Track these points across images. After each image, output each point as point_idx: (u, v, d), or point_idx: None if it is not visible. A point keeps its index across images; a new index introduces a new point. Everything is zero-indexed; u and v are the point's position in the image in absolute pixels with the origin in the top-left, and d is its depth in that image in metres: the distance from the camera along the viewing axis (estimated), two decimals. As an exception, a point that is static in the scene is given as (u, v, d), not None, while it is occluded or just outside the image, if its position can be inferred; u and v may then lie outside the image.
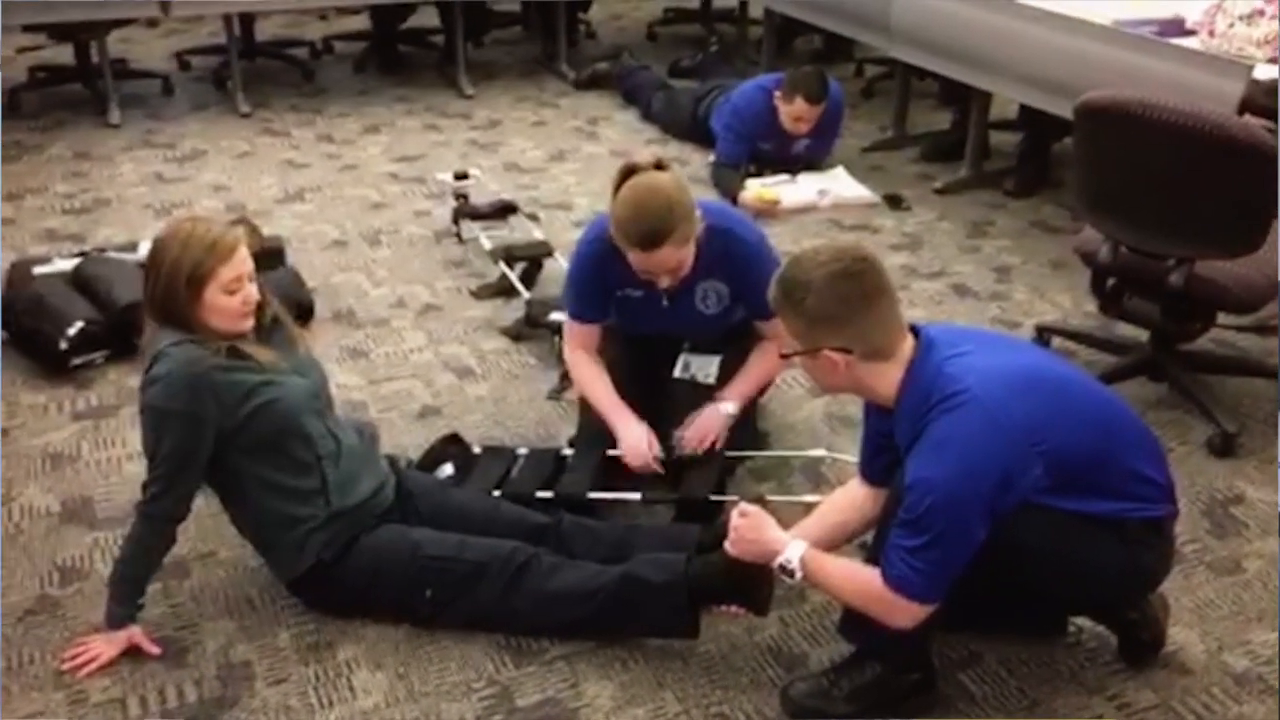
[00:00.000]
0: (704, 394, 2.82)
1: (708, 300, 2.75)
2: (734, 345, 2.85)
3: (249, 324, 2.26)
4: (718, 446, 2.72)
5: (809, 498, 2.66)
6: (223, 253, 2.17)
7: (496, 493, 2.61)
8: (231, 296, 2.19)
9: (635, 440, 2.67)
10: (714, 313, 2.77)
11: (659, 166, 2.59)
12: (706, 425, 2.73)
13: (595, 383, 2.76)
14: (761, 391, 2.90)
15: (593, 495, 2.62)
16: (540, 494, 2.61)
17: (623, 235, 2.54)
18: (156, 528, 2.24)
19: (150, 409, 2.18)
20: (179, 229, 2.20)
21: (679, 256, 2.56)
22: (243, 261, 2.20)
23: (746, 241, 2.71)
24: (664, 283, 2.62)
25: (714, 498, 2.62)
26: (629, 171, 2.58)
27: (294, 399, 2.27)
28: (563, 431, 3.00)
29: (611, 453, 2.72)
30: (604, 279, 2.72)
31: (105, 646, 2.23)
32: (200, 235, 2.17)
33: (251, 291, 2.22)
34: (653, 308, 2.75)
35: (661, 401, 2.83)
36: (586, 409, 2.84)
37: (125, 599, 2.25)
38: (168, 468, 2.19)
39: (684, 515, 2.61)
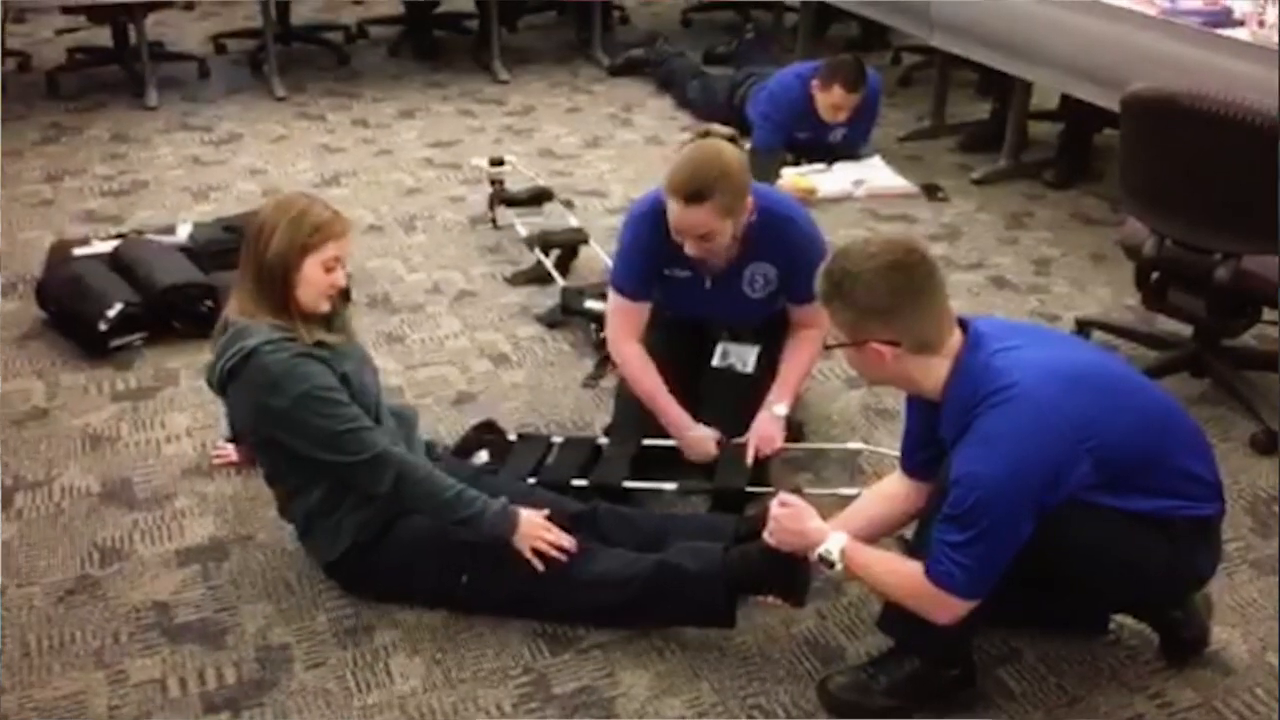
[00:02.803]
0: (742, 383, 2.81)
1: (754, 284, 2.73)
2: (772, 334, 2.84)
3: (328, 305, 2.29)
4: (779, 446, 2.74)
5: (845, 490, 2.64)
6: (338, 231, 2.24)
7: (532, 480, 2.61)
8: (328, 274, 2.24)
9: (702, 439, 2.67)
10: (759, 297, 2.76)
11: (731, 140, 2.61)
12: (768, 431, 2.72)
13: (647, 377, 2.73)
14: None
15: (628, 485, 2.62)
16: (576, 482, 2.61)
17: (669, 185, 2.54)
18: (401, 469, 2.21)
19: (288, 413, 2.17)
20: (296, 199, 2.28)
21: (713, 226, 2.54)
22: (347, 245, 2.27)
23: (800, 226, 2.71)
24: (691, 250, 2.59)
25: (750, 489, 2.61)
26: (702, 134, 2.63)
27: (367, 383, 2.32)
28: (598, 419, 2.99)
29: (648, 442, 2.71)
30: (654, 253, 2.71)
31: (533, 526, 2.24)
32: (318, 210, 2.24)
33: (341, 277, 2.28)
34: (697, 290, 2.74)
35: (698, 389, 2.82)
36: (623, 397, 2.83)
37: (467, 506, 2.22)
38: (351, 432, 2.19)
39: (719, 506, 2.60)
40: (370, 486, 2.23)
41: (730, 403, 2.78)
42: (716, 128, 2.67)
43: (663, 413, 2.71)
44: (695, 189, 2.50)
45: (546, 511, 2.29)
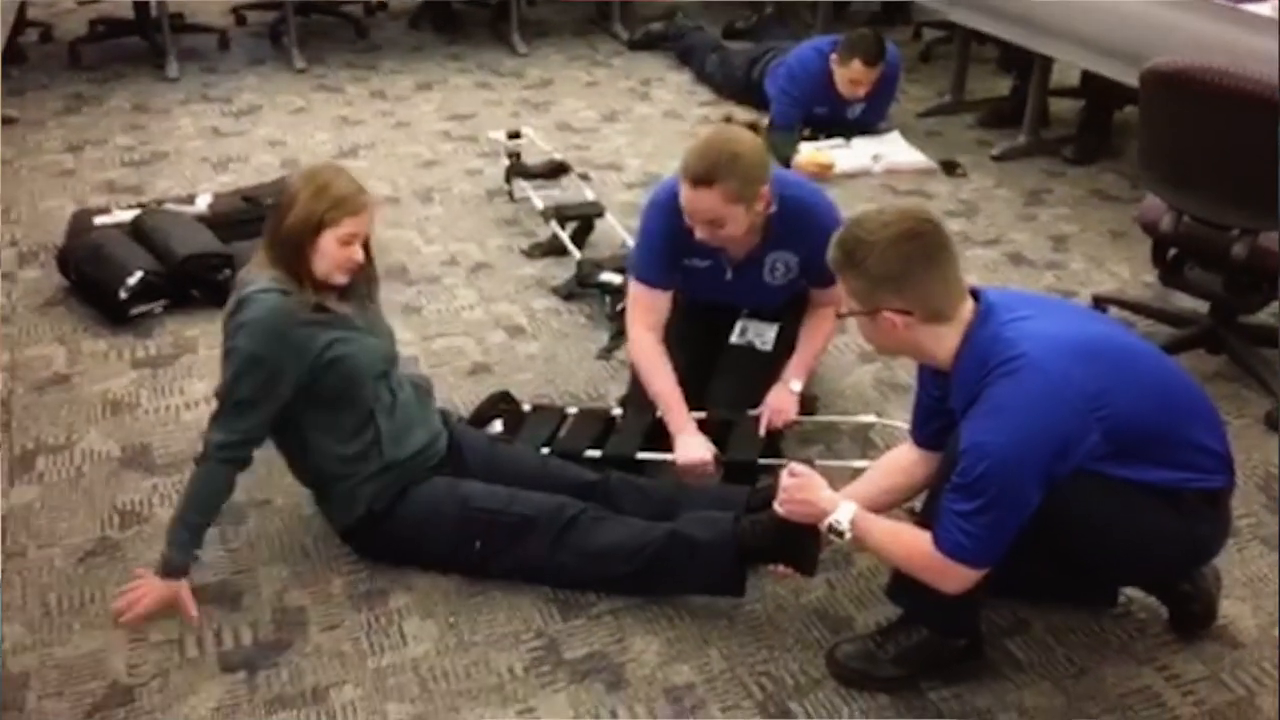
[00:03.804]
0: (760, 360, 2.81)
1: (775, 272, 2.73)
2: (792, 312, 2.84)
3: (343, 278, 2.30)
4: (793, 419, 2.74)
5: (857, 463, 2.65)
6: (355, 207, 2.26)
7: (545, 450, 2.63)
8: (343, 248, 2.25)
9: (694, 450, 2.59)
10: (779, 284, 2.76)
11: (752, 127, 2.60)
12: (782, 404, 2.72)
13: (658, 374, 2.67)
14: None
15: (641, 455, 2.63)
16: (589, 453, 2.63)
17: (682, 165, 2.53)
18: (218, 471, 2.26)
19: (234, 351, 2.22)
20: (324, 171, 2.30)
21: (720, 211, 2.51)
22: (365, 222, 2.28)
23: (823, 214, 2.67)
24: (701, 235, 2.57)
25: (762, 460, 2.63)
26: (725, 119, 2.64)
27: (364, 357, 2.31)
28: (612, 391, 3.01)
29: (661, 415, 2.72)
30: (673, 242, 2.68)
31: (149, 590, 2.20)
32: (342, 185, 2.26)
33: (358, 253, 2.28)
34: (717, 279, 2.74)
35: (716, 365, 2.83)
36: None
37: (181, 543, 2.26)
38: (239, 411, 2.22)
39: (731, 477, 2.62)
40: (200, 467, 2.26)
41: (747, 378, 2.79)
42: (738, 114, 2.66)
43: (668, 409, 2.65)
44: (703, 172, 2.49)
45: (194, 616, 2.22)
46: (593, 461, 2.60)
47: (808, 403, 2.88)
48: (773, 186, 2.58)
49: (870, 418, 2.89)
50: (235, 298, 2.25)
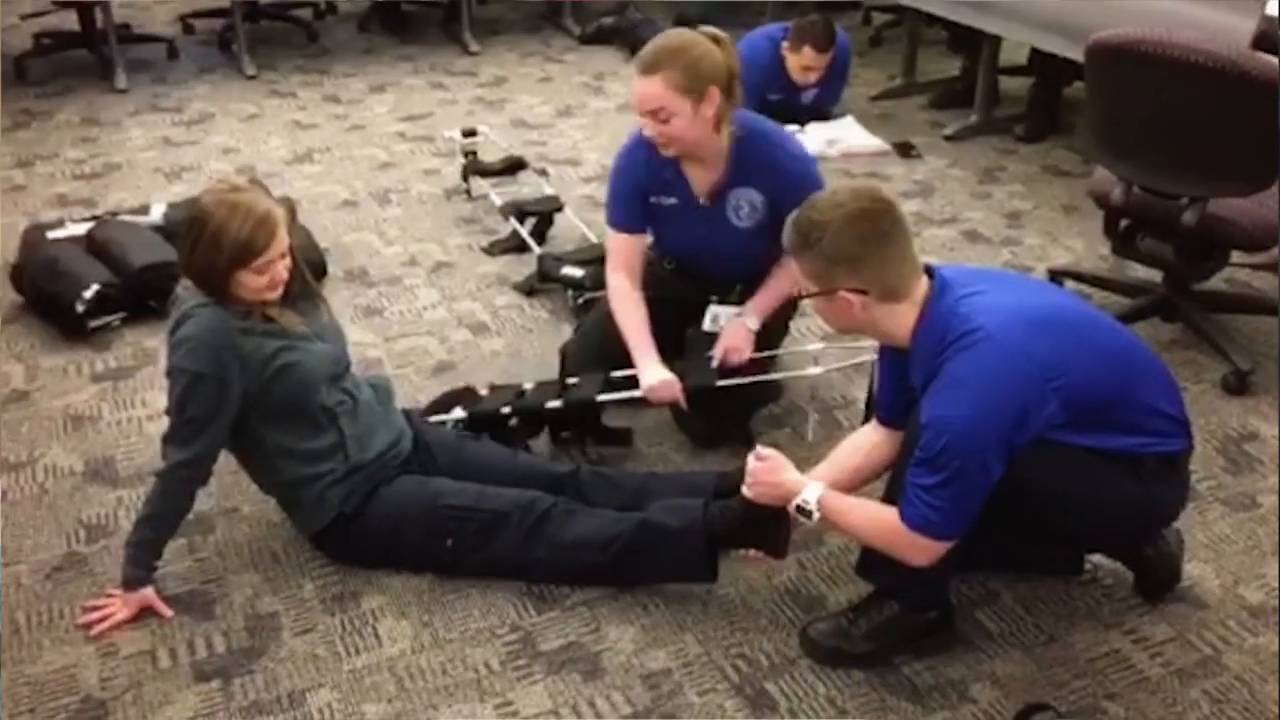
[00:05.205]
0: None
1: (740, 211, 2.72)
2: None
3: (277, 295, 2.27)
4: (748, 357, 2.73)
5: (812, 346, 2.70)
6: (259, 246, 2.16)
7: (507, 410, 2.65)
8: (261, 275, 2.19)
9: (661, 382, 2.62)
10: (746, 226, 2.73)
11: (715, 40, 2.58)
12: (738, 340, 2.72)
13: (630, 312, 2.71)
14: (784, 316, 2.88)
15: (601, 398, 2.66)
16: (551, 404, 2.65)
17: (638, 57, 2.55)
18: (177, 490, 2.26)
19: (177, 370, 2.20)
20: (218, 210, 2.16)
21: (665, 101, 2.50)
22: (278, 244, 2.20)
23: (784, 147, 2.70)
24: (650, 132, 2.56)
25: (721, 383, 2.65)
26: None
27: (314, 364, 2.29)
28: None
29: (616, 374, 2.72)
30: (639, 182, 2.73)
31: (121, 606, 2.26)
32: (236, 226, 2.14)
33: (280, 271, 2.23)
34: (687, 221, 2.75)
35: (686, 356, 2.83)
36: (584, 340, 2.87)
37: (142, 561, 2.27)
38: (191, 429, 2.21)
39: (694, 404, 2.64)
40: (157, 486, 2.26)
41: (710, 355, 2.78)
42: (705, 28, 2.63)
43: (635, 344, 2.67)
44: (650, 58, 2.51)
45: (169, 614, 2.26)
46: (555, 414, 2.62)
47: (773, 390, 2.89)
48: (737, 119, 2.61)
49: (818, 345, 2.93)
50: (176, 314, 2.22)
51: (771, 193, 2.67)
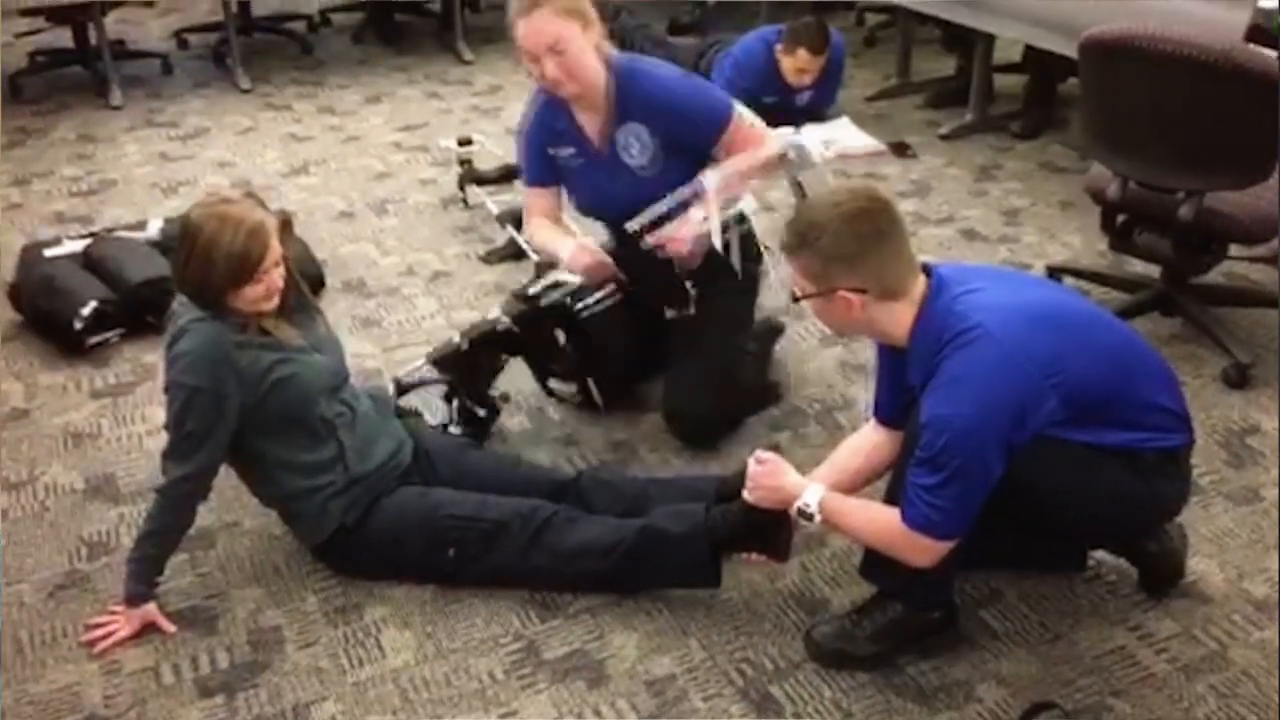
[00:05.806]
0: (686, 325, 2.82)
1: (630, 150, 2.69)
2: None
3: (272, 306, 2.26)
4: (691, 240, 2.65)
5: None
6: (251, 262, 2.15)
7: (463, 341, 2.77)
8: (257, 285, 2.19)
9: (576, 250, 2.68)
10: (641, 163, 2.69)
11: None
12: (680, 232, 2.62)
13: (545, 229, 2.81)
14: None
15: (544, 302, 2.76)
16: (499, 317, 2.77)
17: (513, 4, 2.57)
18: (178, 505, 2.26)
19: (174, 385, 2.20)
20: (207, 224, 2.15)
21: (556, 31, 2.50)
22: (272, 253, 2.19)
23: (651, 75, 2.67)
24: (552, 74, 2.54)
25: (629, 225, 2.67)
26: None
27: (311, 376, 2.29)
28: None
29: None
30: (538, 134, 2.76)
31: (123, 623, 2.26)
32: (229, 237, 2.13)
33: (276, 279, 2.22)
34: (585, 170, 2.74)
35: (659, 354, 2.84)
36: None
37: (144, 577, 2.26)
38: (190, 444, 2.20)
39: (622, 263, 2.70)
40: (158, 501, 2.26)
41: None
42: None
43: (551, 239, 2.77)
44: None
45: (172, 630, 2.26)
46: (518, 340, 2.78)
47: (773, 389, 2.88)
48: (612, 58, 2.64)
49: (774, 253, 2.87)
50: (171, 328, 2.22)
51: (656, 125, 2.66)
